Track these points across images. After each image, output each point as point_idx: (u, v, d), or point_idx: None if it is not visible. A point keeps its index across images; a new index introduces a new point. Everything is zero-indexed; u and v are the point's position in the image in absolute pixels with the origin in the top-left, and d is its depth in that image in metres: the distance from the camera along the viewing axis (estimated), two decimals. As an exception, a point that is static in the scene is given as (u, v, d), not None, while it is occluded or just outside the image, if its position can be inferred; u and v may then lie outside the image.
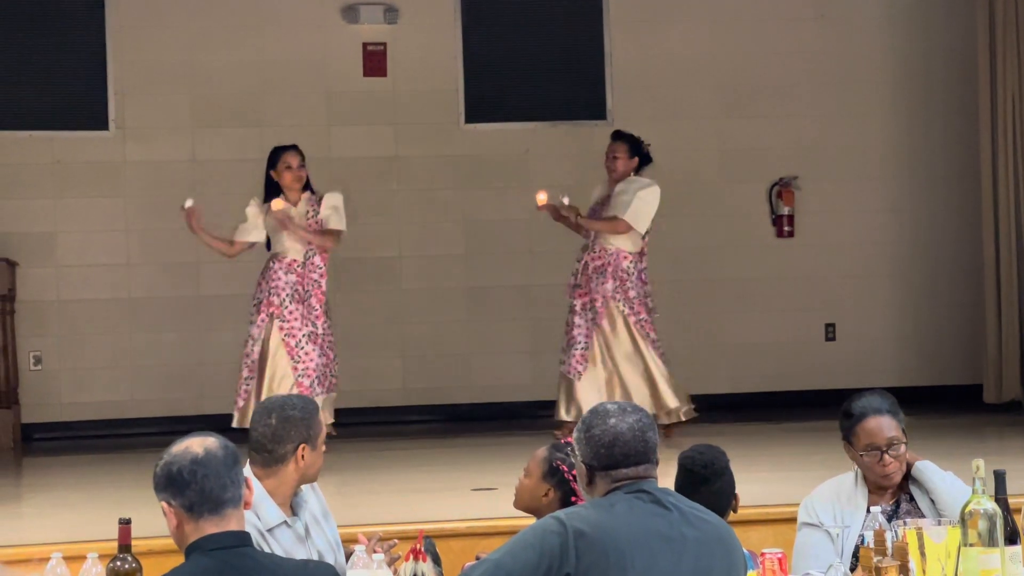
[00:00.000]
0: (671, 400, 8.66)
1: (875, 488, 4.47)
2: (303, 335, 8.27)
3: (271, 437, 4.06)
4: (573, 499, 4.12)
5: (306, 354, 8.26)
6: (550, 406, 9.96)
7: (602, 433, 3.40)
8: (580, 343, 8.63)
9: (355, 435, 9.06)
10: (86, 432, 10.06)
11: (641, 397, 8.56)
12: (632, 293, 8.64)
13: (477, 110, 10.68)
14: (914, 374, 10.69)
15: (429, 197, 10.67)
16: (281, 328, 8.29)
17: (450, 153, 10.65)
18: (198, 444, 3.12)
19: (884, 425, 4.43)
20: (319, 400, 8.06)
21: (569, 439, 4.16)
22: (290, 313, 8.30)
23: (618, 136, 8.92)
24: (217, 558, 3.06)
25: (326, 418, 8.22)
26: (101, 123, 10.33)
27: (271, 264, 8.41)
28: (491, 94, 10.69)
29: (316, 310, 8.34)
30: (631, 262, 8.68)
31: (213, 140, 10.43)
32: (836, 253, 10.90)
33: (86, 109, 10.30)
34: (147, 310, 10.33)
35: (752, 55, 10.83)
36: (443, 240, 10.63)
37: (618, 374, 8.61)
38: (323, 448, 4.17)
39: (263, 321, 8.31)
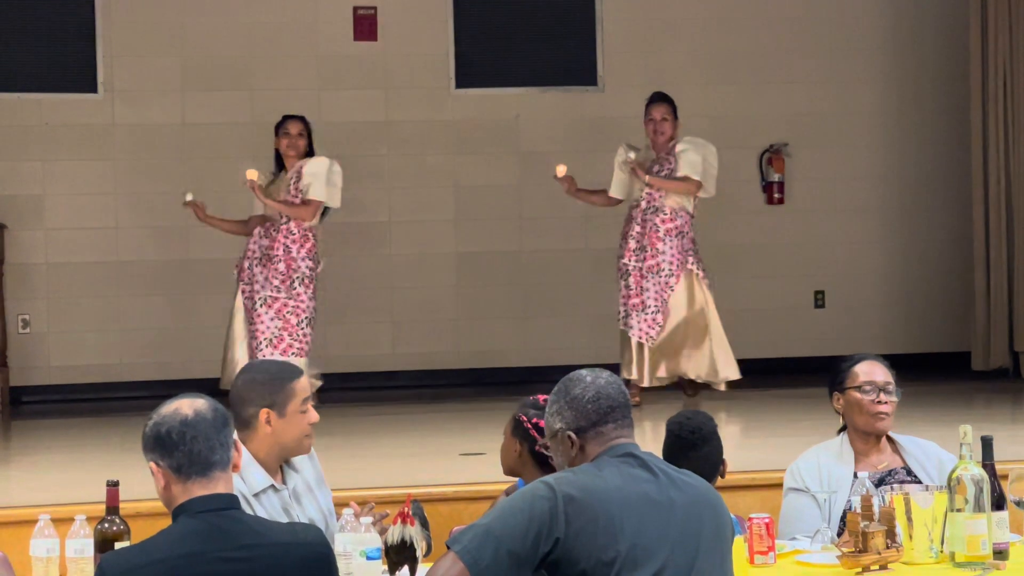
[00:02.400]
0: (724, 369, 8.65)
1: (861, 454, 4.49)
2: (260, 298, 8.40)
3: (235, 398, 4.07)
4: (539, 448, 4.14)
5: (257, 316, 8.39)
6: (540, 371, 9.96)
7: (584, 390, 3.40)
8: (651, 307, 8.60)
9: (344, 400, 9.06)
10: (74, 395, 10.06)
11: (695, 356, 8.59)
12: (699, 256, 8.69)
13: (468, 75, 10.65)
14: (903, 341, 10.71)
15: (419, 162, 10.64)
16: (243, 291, 8.53)
17: (440, 118, 10.63)
18: (188, 406, 3.12)
19: (880, 370, 4.48)
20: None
21: (540, 397, 4.17)
22: (252, 276, 8.51)
23: (661, 98, 8.79)
24: (204, 520, 3.06)
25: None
26: (90, 86, 10.28)
27: (256, 228, 8.53)
28: (482, 59, 10.66)
29: (280, 275, 8.38)
30: (692, 223, 8.71)
31: (203, 104, 10.39)
32: (826, 220, 10.90)
33: (75, 71, 10.25)
34: (136, 273, 10.31)
35: (743, 21, 10.79)
36: (433, 205, 10.61)
37: (687, 334, 8.62)
38: (304, 418, 4.06)
39: (238, 284, 8.58)
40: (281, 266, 8.43)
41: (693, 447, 4.29)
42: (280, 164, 8.68)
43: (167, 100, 10.34)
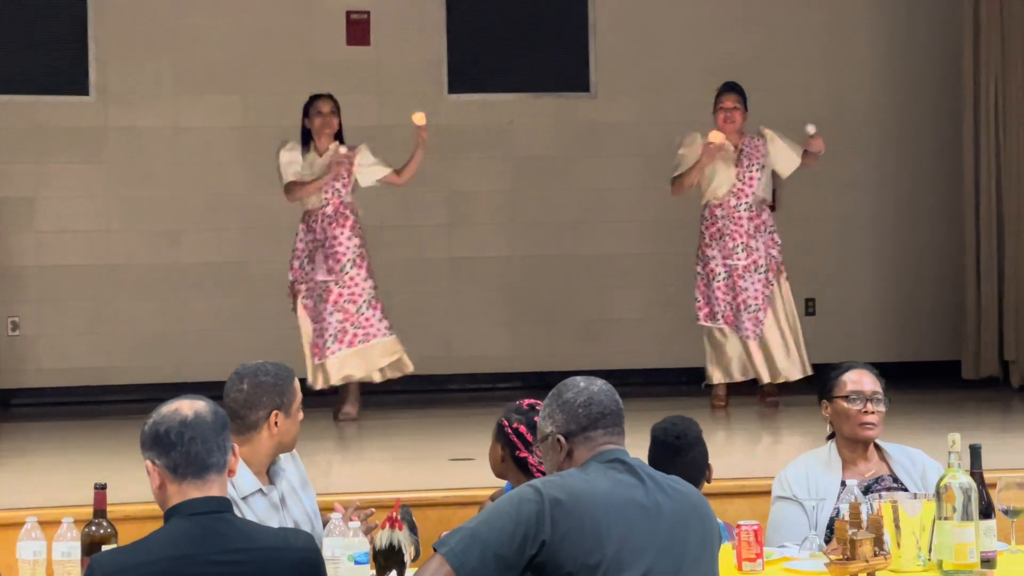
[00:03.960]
0: (796, 363, 8.65)
1: (849, 462, 4.49)
2: (315, 295, 8.49)
3: (243, 403, 4.05)
4: (518, 454, 4.14)
5: (317, 314, 8.46)
6: (530, 377, 9.97)
7: (576, 395, 3.41)
8: (753, 306, 8.61)
9: (334, 403, 9.05)
10: (64, 398, 10.04)
11: (786, 352, 8.64)
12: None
13: (460, 80, 10.65)
14: (893, 349, 10.72)
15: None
16: (298, 291, 8.62)
17: (433, 123, 10.56)
18: (188, 406, 3.14)
19: (868, 378, 4.48)
20: (342, 353, 8.33)
21: (525, 402, 4.17)
22: (306, 276, 8.56)
23: (732, 88, 8.80)
24: (196, 523, 3.07)
25: (343, 371, 8.39)
26: (82, 88, 10.27)
27: (300, 226, 8.62)
28: (475, 64, 10.66)
29: (330, 264, 8.46)
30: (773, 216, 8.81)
31: (195, 107, 10.38)
32: (818, 227, 10.90)
33: (67, 74, 10.24)
34: (126, 277, 10.29)
35: (736, 28, 10.80)
36: (426, 210, 10.61)
37: (781, 331, 8.66)
38: (300, 416, 4.15)
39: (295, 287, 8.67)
40: (328, 255, 8.43)
41: (678, 452, 4.29)
42: (306, 144, 8.59)
43: (159, 103, 10.33)
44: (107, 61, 10.27)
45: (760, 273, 8.64)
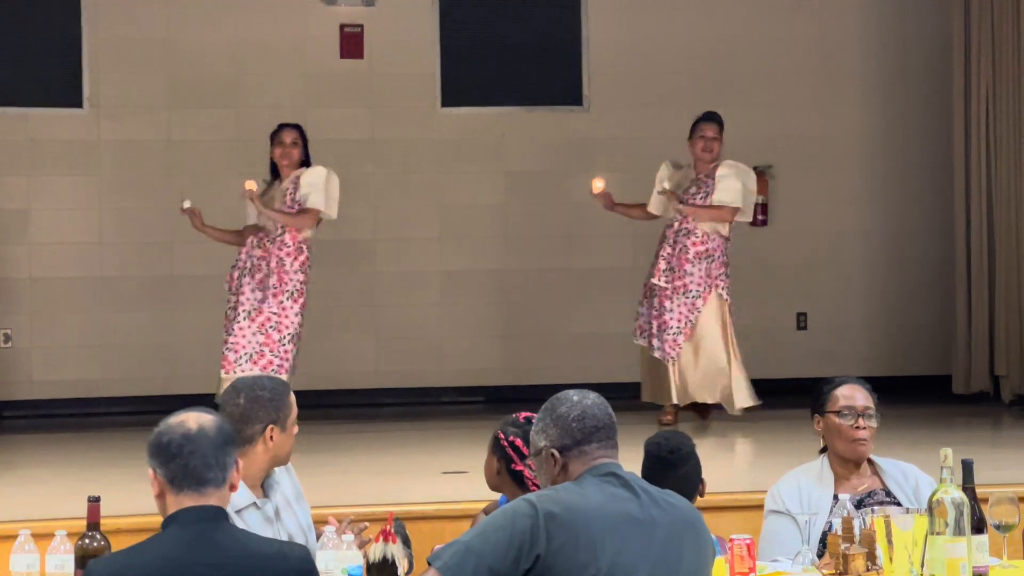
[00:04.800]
0: (741, 394, 8.67)
1: (841, 476, 4.50)
2: (243, 311, 8.27)
3: (239, 417, 4.05)
4: (514, 466, 4.15)
5: (239, 328, 8.26)
6: (522, 390, 9.97)
7: (569, 409, 3.42)
8: (673, 327, 8.64)
9: (327, 417, 9.06)
10: (57, 410, 10.03)
11: (713, 379, 8.63)
12: (729, 281, 8.72)
13: (453, 94, 10.67)
14: (884, 364, 10.74)
15: (405, 180, 10.65)
16: (227, 301, 8.39)
17: (426, 136, 10.64)
18: (194, 420, 3.17)
19: (860, 394, 4.49)
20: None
21: (521, 415, 4.18)
22: (239, 287, 8.35)
23: (711, 117, 8.84)
24: (192, 530, 3.10)
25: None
26: (75, 101, 10.27)
27: (249, 238, 8.43)
28: (468, 78, 10.68)
29: (272, 288, 8.28)
30: (727, 248, 8.77)
31: (189, 120, 10.39)
32: (809, 242, 10.93)
33: (60, 87, 10.25)
34: (120, 289, 10.29)
35: (728, 43, 10.84)
36: (418, 223, 10.62)
37: (704, 357, 8.65)
38: (295, 430, 4.16)
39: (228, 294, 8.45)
40: (273, 279, 8.29)
41: (672, 467, 4.30)
42: (275, 174, 8.52)
43: (153, 116, 10.33)
44: (101, 74, 10.28)
45: (687, 297, 8.67)
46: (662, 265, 8.70)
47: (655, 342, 8.69)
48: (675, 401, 8.66)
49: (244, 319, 8.27)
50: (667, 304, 8.65)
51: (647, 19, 10.81)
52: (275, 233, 8.36)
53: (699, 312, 8.65)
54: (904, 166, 11.04)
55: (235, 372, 8.15)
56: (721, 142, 8.80)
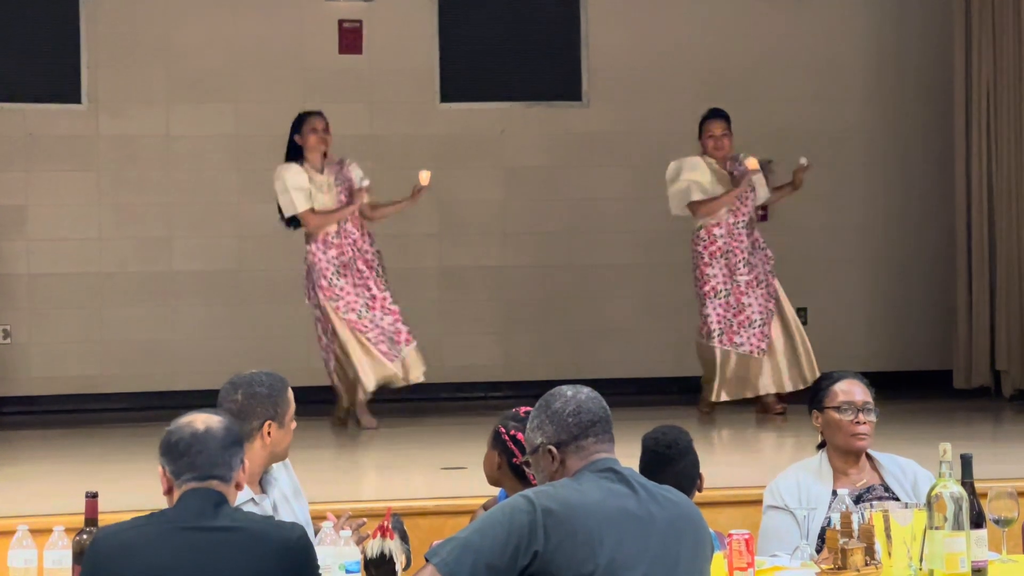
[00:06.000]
0: (808, 370, 8.78)
1: (840, 471, 4.50)
2: (362, 303, 8.40)
3: (237, 413, 4.05)
4: (515, 460, 4.14)
5: (370, 321, 8.38)
6: (521, 386, 9.96)
7: (564, 404, 3.42)
8: (757, 321, 8.77)
9: (326, 413, 9.05)
10: (55, 407, 10.02)
11: (790, 363, 8.79)
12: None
13: (453, 89, 10.66)
14: (885, 359, 10.73)
15: (404, 176, 10.59)
16: (336, 309, 8.43)
17: (425, 132, 10.63)
18: (202, 420, 3.33)
19: (859, 389, 4.49)
20: (407, 352, 8.40)
21: (522, 409, 4.17)
22: (338, 292, 8.42)
23: (716, 114, 8.99)
24: (194, 505, 3.26)
25: (415, 369, 8.44)
26: (74, 96, 10.26)
27: (309, 246, 8.51)
28: (467, 74, 10.67)
29: (364, 273, 8.44)
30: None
31: (187, 115, 10.38)
32: (809, 238, 10.92)
33: (59, 82, 10.24)
34: (118, 285, 10.28)
35: (728, 39, 10.82)
36: (417, 219, 10.60)
37: (790, 339, 8.86)
38: (293, 426, 4.16)
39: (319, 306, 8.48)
40: (361, 264, 8.46)
41: (670, 462, 4.29)
42: (293, 159, 8.56)
43: (151, 111, 10.32)
44: (99, 69, 10.27)
45: (762, 288, 8.79)
46: (733, 259, 8.81)
47: (736, 339, 8.76)
48: (773, 390, 8.76)
49: (367, 311, 8.46)
50: (742, 299, 8.77)
51: (646, 15, 10.80)
52: (337, 227, 8.46)
53: (774, 299, 8.87)
54: (905, 161, 11.03)
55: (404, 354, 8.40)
56: (731, 136, 8.91)
